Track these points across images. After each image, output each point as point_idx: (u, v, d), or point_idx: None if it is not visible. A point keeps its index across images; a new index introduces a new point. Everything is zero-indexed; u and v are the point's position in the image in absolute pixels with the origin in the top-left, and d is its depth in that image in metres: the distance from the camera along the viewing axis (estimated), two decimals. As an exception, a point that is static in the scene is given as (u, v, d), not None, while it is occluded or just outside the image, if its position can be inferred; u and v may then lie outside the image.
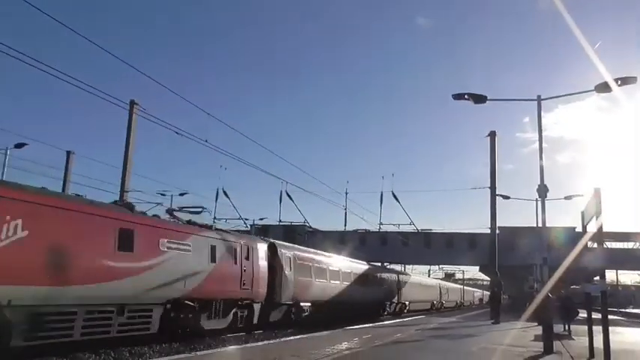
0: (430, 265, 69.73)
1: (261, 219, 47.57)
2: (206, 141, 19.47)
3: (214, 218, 39.60)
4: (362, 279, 31.10)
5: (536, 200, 24.90)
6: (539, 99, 14.22)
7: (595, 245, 11.34)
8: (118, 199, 29.53)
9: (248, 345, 13.12)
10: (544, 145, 14.62)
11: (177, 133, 20.15)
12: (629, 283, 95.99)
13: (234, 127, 36.19)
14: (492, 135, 28.62)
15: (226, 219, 40.56)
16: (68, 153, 38.61)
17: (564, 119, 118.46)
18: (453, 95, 15.04)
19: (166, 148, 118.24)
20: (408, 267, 63.24)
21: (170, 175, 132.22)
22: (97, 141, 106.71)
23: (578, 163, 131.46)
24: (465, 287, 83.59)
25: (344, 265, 29.17)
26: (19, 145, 27.06)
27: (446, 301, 58.29)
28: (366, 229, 48.69)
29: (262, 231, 51.48)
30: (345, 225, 47.44)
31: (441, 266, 77.44)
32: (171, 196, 39.16)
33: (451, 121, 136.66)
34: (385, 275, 37.95)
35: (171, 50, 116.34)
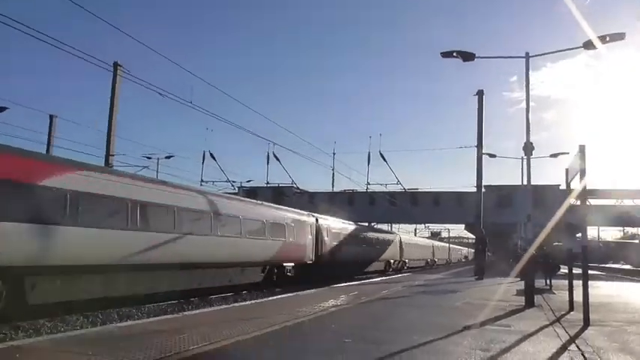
0: (417, 223, 70.51)
1: (249, 181, 47.54)
2: (191, 102, 19.16)
3: (201, 181, 39.44)
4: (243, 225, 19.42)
5: (522, 159, 25.03)
6: (527, 56, 14.11)
7: (578, 202, 11.45)
8: (103, 162, 29.30)
9: (236, 304, 13.27)
10: (531, 103, 14.57)
11: (161, 94, 19.83)
12: (610, 239, 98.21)
13: (219, 88, 35.60)
14: (480, 94, 28.48)
15: (213, 181, 40.46)
16: (51, 117, 37.94)
17: (552, 78, 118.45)
18: (441, 53, 14.85)
19: (152, 112, 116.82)
20: (395, 226, 64.02)
21: (156, 138, 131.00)
22: (81, 104, 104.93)
23: (566, 122, 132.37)
24: (437, 243, 74.31)
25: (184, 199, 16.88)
26: (-1, 109, 26.42)
27: (410, 260, 50.20)
28: (353, 190, 48.97)
29: (250, 193, 51.55)
30: (333, 186, 47.62)
31: (427, 225, 78.46)
32: (158, 159, 38.98)
33: (440, 80, 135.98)
34: (291, 218, 23.90)
35: (154, 14, 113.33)
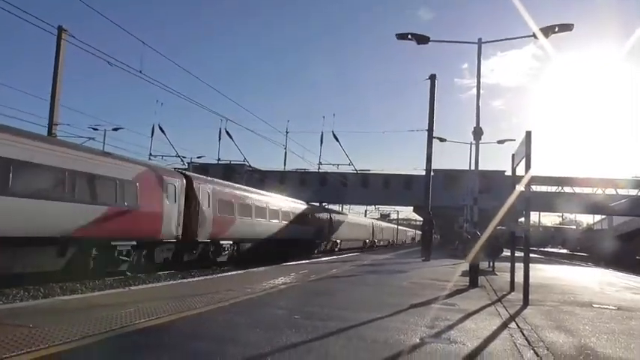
0: (367, 205, 71.37)
1: (199, 157, 46.61)
2: (140, 72, 18.49)
3: (150, 155, 38.38)
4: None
5: (471, 144, 25.66)
6: (479, 42, 14.37)
7: (522, 188, 11.84)
8: (46, 132, 28.00)
9: (184, 280, 13.11)
10: (481, 91, 14.87)
11: (109, 63, 19.04)
12: (549, 224, 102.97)
13: (170, 59, 34.48)
14: (432, 78, 28.89)
15: (162, 156, 39.35)
16: (-12, 81, 35.94)
17: (501, 67, 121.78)
18: (396, 35, 14.94)
19: (100, 81, 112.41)
20: (346, 207, 64.58)
21: (103, 109, 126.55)
22: (21, 70, 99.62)
23: (513, 110, 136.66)
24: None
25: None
26: None
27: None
28: (305, 169, 48.87)
29: (201, 170, 50.55)
30: (285, 164, 47.37)
31: (377, 206, 79.58)
32: (105, 130, 37.58)
33: (394, 64, 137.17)
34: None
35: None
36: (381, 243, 61.43)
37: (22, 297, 11.75)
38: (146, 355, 4.70)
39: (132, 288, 10.80)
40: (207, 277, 14.10)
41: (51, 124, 29.23)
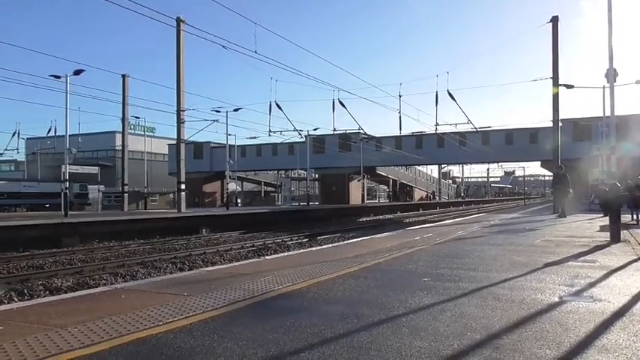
0: (489, 163, 68.42)
1: (315, 129, 47.60)
2: (255, 52, 19.21)
3: (269, 131, 39.86)
4: None
5: (604, 88, 23.46)
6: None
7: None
8: (175, 118, 30.21)
9: (313, 249, 13.66)
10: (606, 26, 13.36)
11: (224, 47, 20.01)
12: None
13: (283, 36, 35.30)
14: (554, 20, 26.64)
15: (281, 131, 40.71)
16: (123, 76, 39.45)
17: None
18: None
19: (218, 66, 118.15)
20: (466, 167, 62.60)
21: (222, 91, 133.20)
22: (150, 63, 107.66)
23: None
24: None
25: None
26: (77, 72, 27.58)
27: None
28: (421, 132, 47.79)
29: (318, 141, 51.73)
30: (401, 129, 46.54)
31: (500, 164, 76.19)
32: (226, 112, 39.85)
33: (505, 10, 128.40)
34: None
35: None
36: None
37: (171, 270, 13.05)
38: (288, 317, 5.02)
39: (266, 258, 11.49)
40: (335, 244, 14.55)
41: (179, 110, 31.53)
